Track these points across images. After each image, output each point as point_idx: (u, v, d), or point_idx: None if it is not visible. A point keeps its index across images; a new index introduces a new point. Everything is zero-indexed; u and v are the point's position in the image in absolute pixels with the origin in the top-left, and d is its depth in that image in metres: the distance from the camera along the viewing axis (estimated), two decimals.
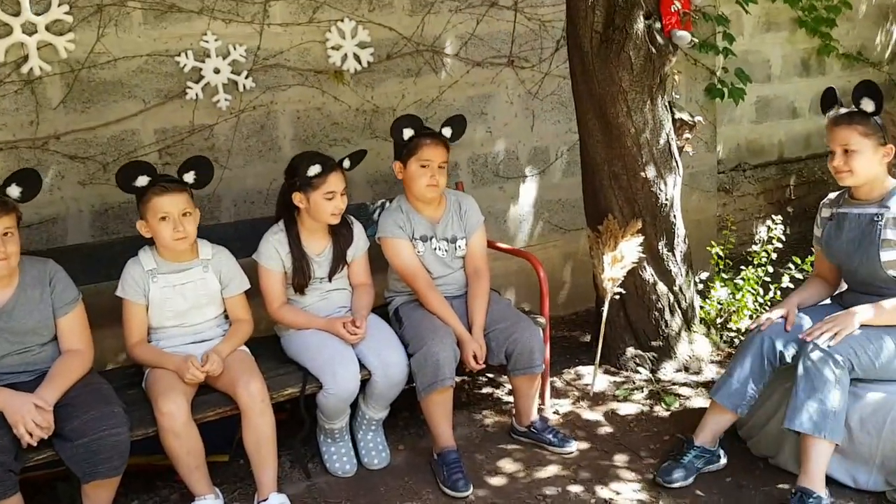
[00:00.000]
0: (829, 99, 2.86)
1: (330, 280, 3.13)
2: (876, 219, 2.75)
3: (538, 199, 4.38)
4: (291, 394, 2.90)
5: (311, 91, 3.66)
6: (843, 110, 2.79)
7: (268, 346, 3.15)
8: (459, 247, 3.27)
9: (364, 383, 2.97)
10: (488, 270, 3.32)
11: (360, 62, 3.69)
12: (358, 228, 3.22)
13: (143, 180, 2.75)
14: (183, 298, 2.86)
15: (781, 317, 2.88)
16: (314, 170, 2.96)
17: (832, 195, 2.99)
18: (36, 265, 2.68)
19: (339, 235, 3.13)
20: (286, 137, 3.65)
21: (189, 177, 2.83)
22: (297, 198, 3.01)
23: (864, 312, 2.71)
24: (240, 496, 2.93)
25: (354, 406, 3.07)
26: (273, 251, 3.04)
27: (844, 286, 3.00)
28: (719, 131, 5.04)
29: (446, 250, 3.25)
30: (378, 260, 3.35)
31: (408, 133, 3.16)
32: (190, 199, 2.81)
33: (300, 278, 3.06)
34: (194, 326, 2.91)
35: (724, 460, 2.98)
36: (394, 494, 2.93)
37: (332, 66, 3.66)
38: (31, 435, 2.40)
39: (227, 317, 3.00)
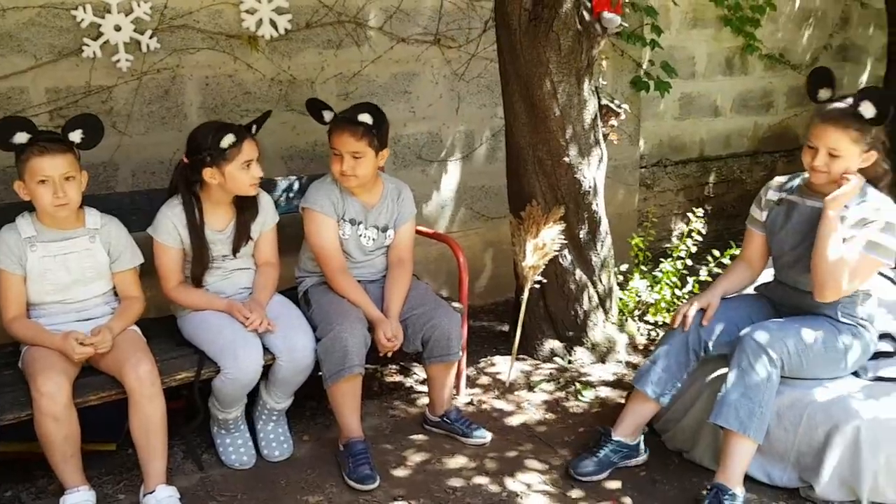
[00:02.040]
0: (821, 78, 2.62)
1: (234, 255, 2.91)
2: None
3: (461, 185, 4.25)
4: (185, 378, 2.68)
5: (221, 56, 3.43)
6: (836, 104, 2.55)
7: (162, 327, 2.92)
8: (389, 236, 3.10)
9: (267, 369, 2.78)
10: (413, 262, 3.16)
11: (276, 28, 3.47)
12: (266, 200, 3.01)
13: (21, 137, 2.48)
14: (66, 271, 2.60)
15: (700, 309, 2.81)
16: (228, 140, 2.72)
17: (781, 178, 2.85)
18: None
19: (245, 208, 2.91)
20: (193, 105, 3.41)
21: (75, 136, 2.55)
22: (209, 173, 2.76)
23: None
24: (125, 488, 2.71)
25: (254, 395, 2.87)
26: (171, 226, 2.80)
27: (768, 277, 2.95)
28: (642, 126, 5.01)
29: (374, 238, 3.07)
30: (287, 241, 3.15)
31: (327, 116, 2.99)
32: (74, 161, 2.54)
33: (197, 267, 2.83)
34: (79, 303, 2.65)
35: (644, 455, 2.90)
36: (294, 488, 2.75)
37: (245, 30, 3.43)
38: None
39: (116, 294, 2.76)
